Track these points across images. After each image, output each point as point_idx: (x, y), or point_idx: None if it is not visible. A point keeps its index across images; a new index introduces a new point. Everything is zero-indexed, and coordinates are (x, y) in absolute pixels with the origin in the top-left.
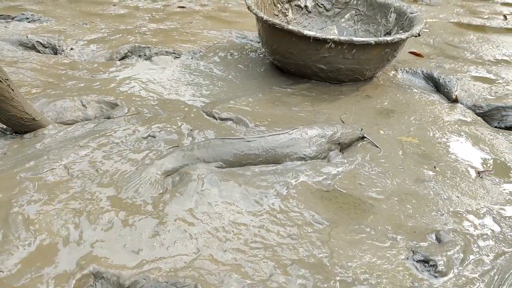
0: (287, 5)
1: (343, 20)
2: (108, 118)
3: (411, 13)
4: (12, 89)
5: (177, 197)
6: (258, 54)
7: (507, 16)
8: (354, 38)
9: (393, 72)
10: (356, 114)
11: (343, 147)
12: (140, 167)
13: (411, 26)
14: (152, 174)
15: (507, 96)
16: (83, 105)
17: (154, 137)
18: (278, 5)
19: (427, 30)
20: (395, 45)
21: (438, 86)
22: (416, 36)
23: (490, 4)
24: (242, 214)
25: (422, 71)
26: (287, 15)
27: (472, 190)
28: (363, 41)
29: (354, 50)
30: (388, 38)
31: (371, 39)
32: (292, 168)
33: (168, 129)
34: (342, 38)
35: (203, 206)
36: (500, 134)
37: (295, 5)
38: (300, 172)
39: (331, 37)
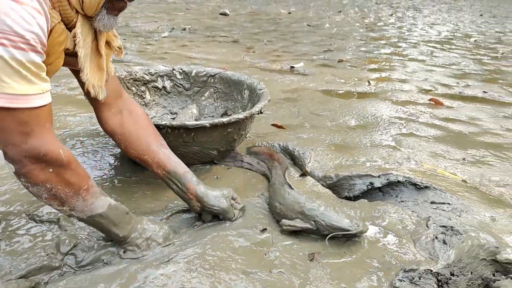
0: (143, 88)
1: (203, 98)
2: None
3: (259, 90)
4: None
5: None
6: (112, 142)
7: (371, 82)
8: (187, 122)
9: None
10: None
11: None
12: None
13: (259, 102)
14: None
15: (356, 163)
16: None
17: None
18: (133, 88)
19: (295, 100)
20: (237, 124)
21: (294, 159)
22: (258, 114)
23: (358, 71)
24: None
25: (279, 144)
26: (144, 97)
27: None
28: (197, 124)
29: (193, 133)
30: (224, 119)
31: (205, 122)
32: None
33: None
34: (174, 123)
35: None
36: (343, 205)
37: (153, 86)
38: None
39: (163, 122)
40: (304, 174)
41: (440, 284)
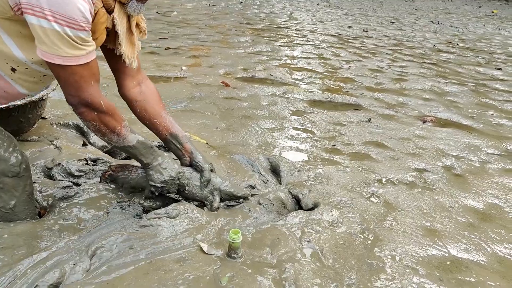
0: None
1: None
2: None
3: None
4: None
5: None
6: None
7: (183, 68)
8: None
9: (50, 126)
10: None
11: None
12: None
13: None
14: None
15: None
16: None
17: None
18: None
19: (105, 86)
20: (21, 109)
21: (83, 133)
22: (39, 100)
23: (179, 57)
24: None
25: (73, 123)
26: None
27: None
28: None
29: None
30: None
31: None
32: None
33: None
34: None
35: None
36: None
37: None
38: None
39: None
40: (84, 144)
41: (145, 211)
